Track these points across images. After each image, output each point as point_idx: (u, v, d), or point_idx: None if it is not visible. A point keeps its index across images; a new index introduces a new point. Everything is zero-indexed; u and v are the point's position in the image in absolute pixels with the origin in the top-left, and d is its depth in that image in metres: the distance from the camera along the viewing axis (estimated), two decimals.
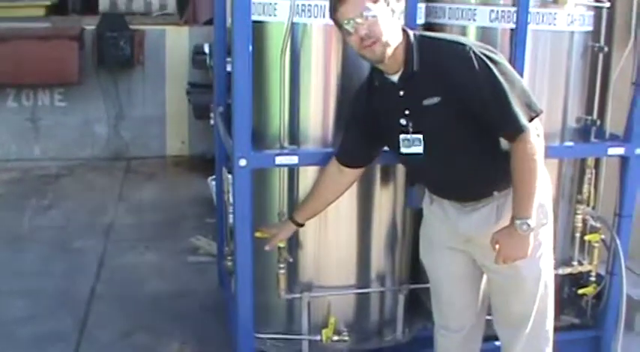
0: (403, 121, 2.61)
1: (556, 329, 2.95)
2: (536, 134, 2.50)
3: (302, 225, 3.02)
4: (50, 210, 5.81)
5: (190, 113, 7.05)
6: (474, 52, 2.46)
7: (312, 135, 3.07)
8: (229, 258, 3.74)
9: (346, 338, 3.19)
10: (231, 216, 3.52)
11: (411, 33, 2.59)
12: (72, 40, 6.89)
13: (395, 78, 2.59)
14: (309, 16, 2.93)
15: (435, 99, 2.51)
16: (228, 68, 3.50)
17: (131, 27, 7.11)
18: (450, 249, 2.83)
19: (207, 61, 6.37)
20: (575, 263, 3.50)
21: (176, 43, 7.27)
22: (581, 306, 3.59)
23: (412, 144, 2.63)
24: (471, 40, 2.59)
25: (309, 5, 2.93)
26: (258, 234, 3.05)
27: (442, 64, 2.51)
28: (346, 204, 3.16)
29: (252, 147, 2.90)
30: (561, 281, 3.53)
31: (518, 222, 2.48)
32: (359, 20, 2.47)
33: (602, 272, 3.55)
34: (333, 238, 3.20)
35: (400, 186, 3.23)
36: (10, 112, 7.20)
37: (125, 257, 4.90)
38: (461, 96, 2.48)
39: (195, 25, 7.34)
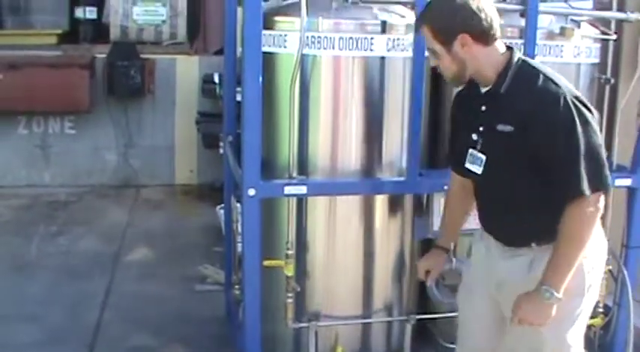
0: (475, 136, 2.56)
1: None
2: (596, 207, 2.36)
3: (449, 251, 2.92)
4: (59, 237, 5.82)
5: (199, 142, 7.07)
6: (565, 99, 2.34)
7: (320, 165, 3.09)
8: (237, 286, 3.74)
9: None
10: (239, 244, 3.53)
11: (516, 54, 2.50)
12: (83, 69, 6.95)
13: (482, 90, 2.54)
14: (319, 48, 2.97)
15: (509, 128, 2.41)
16: (238, 98, 3.53)
17: (142, 56, 7.17)
18: (484, 293, 2.73)
19: (217, 90, 6.42)
20: None
21: (186, 72, 7.32)
22: (589, 337, 3.56)
23: (474, 162, 2.57)
24: (569, 85, 2.46)
25: (319, 37, 2.97)
26: (266, 263, 3.06)
27: (529, 97, 2.40)
28: (354, 235, 3.18)
29: (262, 177, 2.92)
30: None
31: (544, 288, 2.36)
32: (426, 52, 2.56)
33: (610, 304, 3.54)
34: (341, 268, 3.22)
35: (408, 218, 3.25)
36: (20, 139, 7.24)
37: (132, 284, 4.89)
38: (534, 137, 2.37)
39: (205, 55, 7.40)
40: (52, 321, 4.24)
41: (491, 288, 2.69)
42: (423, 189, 3.16)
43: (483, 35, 2.43)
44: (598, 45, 3.35)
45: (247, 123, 2.89)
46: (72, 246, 5.59)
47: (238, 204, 3.54)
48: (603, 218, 3.34)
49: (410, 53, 3.06)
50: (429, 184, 3.12)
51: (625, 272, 3.36)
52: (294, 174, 3.03)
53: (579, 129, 2.32)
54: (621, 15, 3.30)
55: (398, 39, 3.06)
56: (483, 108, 2.52)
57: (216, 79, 6.54)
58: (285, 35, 3.03)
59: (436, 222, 3.11)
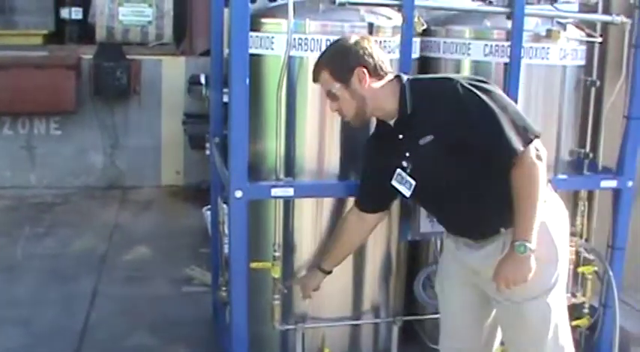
0: (404, 163, 2.67)
1: None
2: (534, 156, 2.48)
3: (330, 273, 3.03)
4: (45, 239, 5.79)
5: (186, 143, 7.05)
6: (461, 84, 2.51)
7: (307, 167, 3.09)
8: (224, 288, 3.72)
9: None
10: (226, 246, 3.52)
11: (404, 78, 2.66)
12: (69, 69, 6.92)
13: (391, 122, 2.67)
14: (306, 50, 2.97)
15: (429, 138, 2.55)
16: (225, 99, 3.53)
17: (128, 57, 7.15)
18: (461, 283, 2.81)
19: (203, 91, 6.40)
20: (568, 295, 3.50)
21: (172, 73, 7.29)
22: (575, 338, 3.58)
23: (402, 184, 2.69)
24: (462, 74, 2.62)
25: (306, 39, 2.98)
26: (253, 265, 3.06)
27: (431, 101, 2.56)
28: None
29: (248, 179, 2.92)
30: None
31: (516, 243, 2.45)
32: (327, 96, 2.68)
33: (596, 304, 3.56)
34: None
35: (395, 219, 3.25)
36: (5, 140, 7.20)
37: (119, 286, 4.87)
38: (452, 129, 2.50)
39: (191, 56, 7.38)
40: (38, 324, 4.22)
41: (468, 276, 2.77)
42: None
43: (377, 69, 2.63)
44: (584, 47, 3.37)
45: (234, 124, 2.89)
46: (58, 248, 5.56)
47: (225, 206, 3.53)
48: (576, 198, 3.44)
49: (397, 55, 3.07)
50: None
51: (610, 273, 3.38)
52: (281, 176, 3.03)
53: (484, 97, 2.48)
54: (607, 17, 3.32)
55: (385, 41, 3.06)
56: (400, 136, 2.65)
57: (203, 80, 6.53)
58: (272, 37, 3.03)
59: (423, 224, 3.12)
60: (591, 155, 3.42)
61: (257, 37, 3.04)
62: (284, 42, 2.91)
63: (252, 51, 2.93)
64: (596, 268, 3.51)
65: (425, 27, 3.14)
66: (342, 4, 2.93)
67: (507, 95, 3.04)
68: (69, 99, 6.92)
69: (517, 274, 2.47)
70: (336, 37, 2.93)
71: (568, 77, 3.34)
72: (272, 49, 3.03)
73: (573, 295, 3.52)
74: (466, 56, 3.23)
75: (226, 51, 3.73)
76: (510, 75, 3.12)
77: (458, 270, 2.80)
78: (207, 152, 4.22)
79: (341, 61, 2.64)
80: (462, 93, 2.48)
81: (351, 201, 3.01)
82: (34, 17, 7.64)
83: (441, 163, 2.58)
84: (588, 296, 3.53)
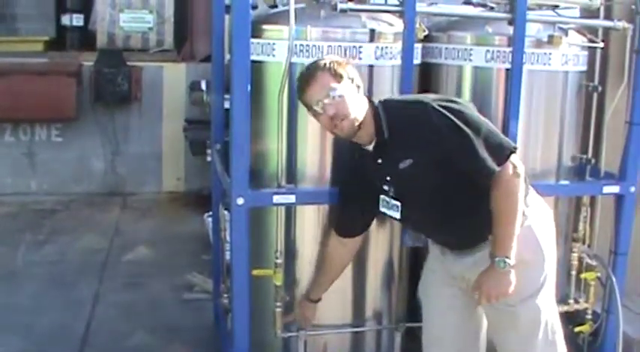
0: (385, 187, 2.70)
1: None
2: (511, 173, 2.51)
3: (319, 301, 3.09)
4: (45, 245, 5.78)
5: (187, 149, 7.05)
6: (432, 107, 2.52)
7: (309, 174, 3.08)
8: (225, 295, 3.72)
9: None
10: (227, 253, 3.52)
11: (375, 101, 2.69)
12: (69, 76, 6.92)
13: (370, 147, 2.69)
14: (308, 56, 2.96)
15: (408, 162, 2.58)
16: (226, 105, 3.53)
17: (128, 63, 7.16)
18: (447, 286, 2.83)
19: (204, 97, 6.40)
20: (571, 301, 3.51)
21: (173, 79, 7.30)
22: (577, 344, 3.58)
23: (390, 208, 2.72)
24: (430, 95, 2.67)
25: (307, 46, 2.97)
26: (255, 272, 3.05)
27: (406, 125, 2.59)
28: None
29: (250, 186, 2.91)
30: None
31: (496, 259, 2.49)
32: (326, 101, 2.59)
33: (599, 310, 3.55)
34: None
35: (396, 225, 3.23)
36: (6, 147, 7.20)
37: (120, 293, 4.87)
38: (429, 152, 2.53)
39: (192, 62, 7.39)
40: (38, 331, 4.22)
41: (454, 280, 2.80)
42: None
43: (360, 87, 2.66)
44: (585, 53, 3.37)
45: (235, 131, 2.88)
46: (59, 255, 5.56)
47: (226, 212, 3.53)
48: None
49: (398, 61, 3.06)
50: None
51: (613, 278, 3.37)
52: (283, 183, 3.02)
53: (456, 120, 2.49)
54: (608, 23, 3.32)
55: (386, 47, 3.06)
56: (379, 161, 2.67)
57: (204, 87, 6.53)
58: (274, 44, 3.03)
59: None
60: (593, 161, 3.41)
61: (258, 43, 3.04)
62: (285, 48, 2.90)
63: (253, 57, 2.93)
64: (598, 274, 3.50)
65: (426, 33, 3.14)
66: (343, 11, 2.93)
67: (509, 101, 3.08)
68: (70, 106, 6.93)
69: (498, 289, 2.52)
70: (337, 44, 2.94)
71: (570, 83, 3.34)
72: (273, 55, 3.03)
73: (576, 301, 3.51)
74: (468, 62, 3.22)
75: (227, 57, 3.73)
76: (512, 81, 3.11)
77: (443, 276, 2.83)
78: (209, 158, 4.21)
79: (337, 66, 2.63)
80: (435, 118, 2.50)
81: None
82: (35, 24, 7.63)
83: (424, 183, 2.61)
84: (591, 302, 3.52)
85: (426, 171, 2.57)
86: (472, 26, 3.27)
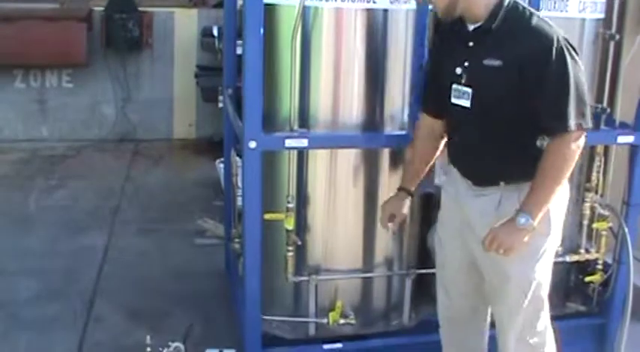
0: (459, 70, 2.60)
1: (562, 317, 2.94)
2: (577, 144, 2.46)
3: (412, 194, 2.95)
4: (57, 191, 5.82)
5: (198, 96, 7.03)
6: (559, 39, 2.43)
7: (322, 118, 3.06)
8: (237, 240, 3.74)
9: (353, 321, 3.20)
10: (239, 198, 3.53)
11: None
12: (80, 22, 6.87)
13: (470, 28, 2.58)
14: (321, 0, 2.92)
15: (497, 63, 2.48)
16: (238, 51, 3.49)
17: (140, 9, 7.09)
18: (457, 235, 2.81)
19: (216, 43, 6.35)
20: (582, 250, 3.51)
21: (185, 25, 7.24)
22: (587, 294, 3.59)
23: (461, 96, 2.61)
24: (559, 30, 2.51)
25: None
26: (267, 217, 3.05)
27: (522, 35, 2.48)
28: (354, 189, 3.17)
29: (262, 130, 2.90)
30: (568, 269, 3.54)
31: (521, 213, 2.45)
32: None
33: (609, 261, 3.55)
34: (341, 222, 3.20)
35: None
36: (17, 93, 7.20)
37: (132, 238, 4.91)
38: (525, 70, 2.44)
39: (204, 7, 7.32)
40: (51, 276, 4.27)
41: (463, 228, 2.77)
42: None
43: None
44: (603, 0, 3.30)
45: (248, 75, 2.85)
46: (71, 201, 5.60)
47: (238, 158, 3.53)
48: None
49: (413, 5, 3.02)
50: None
51: (625, 229, 3.36)
52: (295, 127, 3.00)
53: (571, 68, 2.42)
54: None
55: None
56: (471, 44, 2.58)
57: (215, 33, 6.47)
58: None
59: (437, 176, 3.10)
60: (608, 110, 3.37)
61: None
62: None
63: (266, 1, 2.88)
64: (610, 224, 3.49)
65: None
66: None
67: None
68: (80, 51, 6.89)
69: (508, 241, 2.46)
70: None
71: (587, 30, 3.28)
72: None
73: (587, 251, 3.51)
74: None
75: (240, 2, 3.69)
76: None
77: (455, 221, 2.80)
78: (220, 105, 4.18)
79: None
80: (556, 49, 2.41)
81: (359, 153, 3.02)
82: None
83: (491, 91, 2.54)
84: (602, 252, 3.52)
85: (504, 85, 2.49)
86: None
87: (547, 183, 2.47)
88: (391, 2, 3.00)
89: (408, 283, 3.34)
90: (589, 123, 2.49)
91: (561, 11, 3.19)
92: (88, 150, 7.01)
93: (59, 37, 6.77)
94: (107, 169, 6.47)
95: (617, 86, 3.43)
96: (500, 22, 2.51)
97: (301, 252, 3.19)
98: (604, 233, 3.50)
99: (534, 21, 2.49)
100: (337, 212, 3.19)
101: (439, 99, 2.73)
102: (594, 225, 3.50)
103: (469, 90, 2.58)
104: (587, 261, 3.54)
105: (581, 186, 3.47)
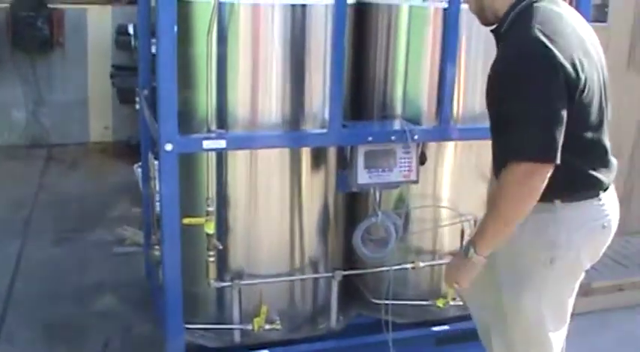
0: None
1: None
2: (523, 180, 2.14)
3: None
4: None
5: (114, 97, 6.87)
6: (532, 58, 2.15)
7: (240, 118, 2.97)
8: (156, 247, 3.62)
9: (279, 326, 3.13)
10: (157, 203, 3.41)
11: None
12: None
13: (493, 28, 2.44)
14: None
15: (489, 73, 2.29)
16: (153, 49, 3.37)
17: (49, 6, 6.88)
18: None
19: (132, 42, 6.20)
20: None
21: (98, 23, 7.06)
22: None
23: None
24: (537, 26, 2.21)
25: None
26: (185, 221, 2.94)
27: (506, 45, 2.30)
28: (277, 190, 3.09)
29: (179, 131, 2.78)
30: None
31: (468, 243, 2.32)
32: None
33: None
34: (263, 224, 3.12)
35: (331, 171, 3.17)
36: None
37: (46, 250, 4.71)
38: (495, 86, 2.26)
39: (118, 4, 7.15)
40: None
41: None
42: (346, 141, 3.07)
43: None
44: None
45: (162, 74, 2.73)
46: None
47: (156, 161, 3.41)
48: None
49: (332, 0, 2.94)
50: (352, 136, 3.02)
51: None
52: (213, 128, 2.90)
53: (532, 95, 2.14)
54: None
55: None
56: (497, 46, 2.41)
57: (131, 30, 6.32)
58: None
59: (360, 175, 3.04)
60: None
61: None
62: None
63: None
64: None
65: None
66: None
67: (445, 44, 2.98)
68: None
69: (454, 273, 2.36)
70: None
71: None
72: None
73: None
74: (404, 1, 3.13)
75: None
76: (449, 22, 3.02)
77: None
78: (137, 106, 4.05)
79: None
80: (517, 71, 2.17)
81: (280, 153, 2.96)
82: None
83: (487, 101, 2.35)
84: None
85: (487, 97, 2.32)
86: None
87: (489, 213, 2.27)
88: None
89: (335, 285, 3.27)
90: (547, 154, 2.13)
91: None
92: None
93: None
94: (18, 177, 6.22)
95: None
96: (508, 25, 2.32)
97: (223, 256, 3.09)
98: None
99: (524, 27, 2.21)
100: (259, 214, 3.10)
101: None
102: None
103: None
104: None
105: None
